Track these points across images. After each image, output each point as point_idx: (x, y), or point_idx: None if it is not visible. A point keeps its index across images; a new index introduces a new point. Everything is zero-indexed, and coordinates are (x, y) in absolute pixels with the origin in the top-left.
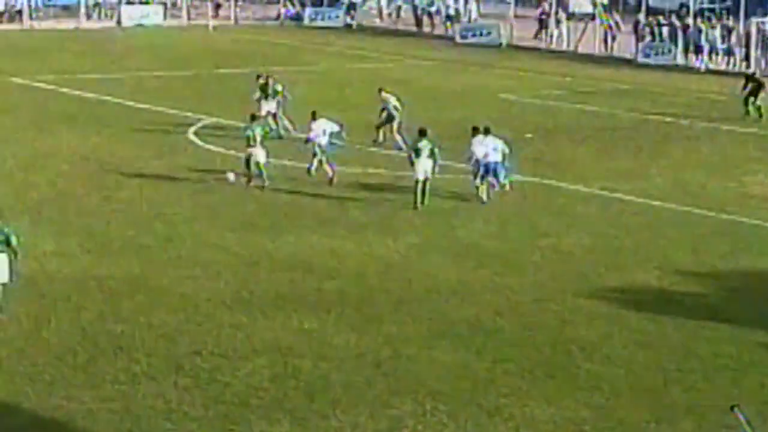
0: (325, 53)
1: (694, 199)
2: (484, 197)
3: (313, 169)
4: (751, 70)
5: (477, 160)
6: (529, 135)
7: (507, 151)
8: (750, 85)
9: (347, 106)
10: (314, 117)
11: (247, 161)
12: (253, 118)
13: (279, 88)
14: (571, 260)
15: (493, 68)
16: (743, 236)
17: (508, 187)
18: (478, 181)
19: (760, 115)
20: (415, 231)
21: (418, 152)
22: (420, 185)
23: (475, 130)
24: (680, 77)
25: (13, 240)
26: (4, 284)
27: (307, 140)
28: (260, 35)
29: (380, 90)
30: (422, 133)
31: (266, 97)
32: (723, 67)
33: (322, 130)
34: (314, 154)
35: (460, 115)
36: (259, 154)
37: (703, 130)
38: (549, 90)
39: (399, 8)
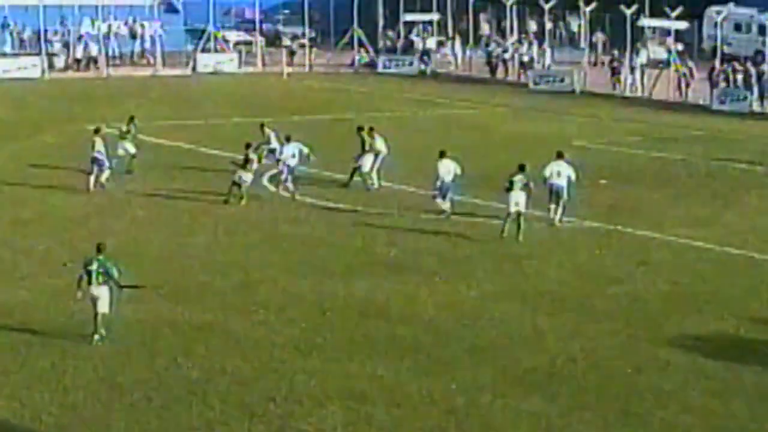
0: (398, 100)
1: None
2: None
3: (288, 185)
4: None
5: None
6: (604, 181)
7: (459, 172)
8: None
9: (419, 152)
10: (288, 140)
11: (234, 181)
12: (248, 146)
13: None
14: (646, 307)
15: (566, 115)
16: None
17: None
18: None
19: None
20: (488, 277)
21: (512, 184)
22: (512, 217)
23: (442, 154)
24: (755, 124)
25: (114, 273)
26: (104, 314)
27: (277, 159)
28: (334, 82)
29: (369, 128)
30: (521, 168)
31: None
32: None
33: (292, 153)
34: (281, 172)
35: (534, 162)
36: (247, 177)
37: None
38: (623, 136)
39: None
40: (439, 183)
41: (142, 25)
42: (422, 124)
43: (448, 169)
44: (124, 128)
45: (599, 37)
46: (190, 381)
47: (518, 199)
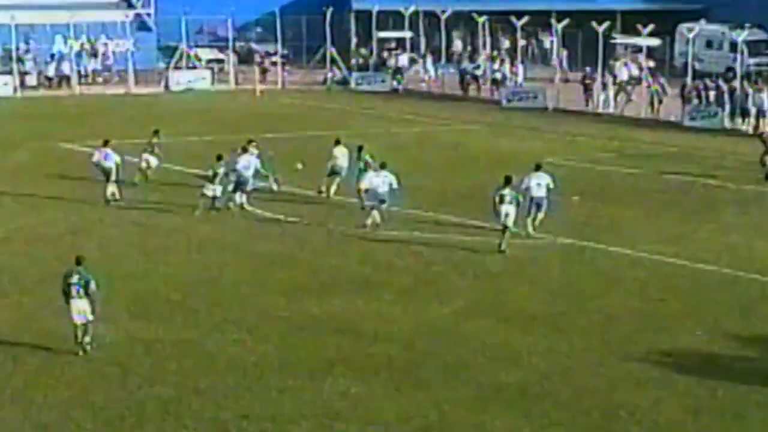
0: (372, 117)
1: (743, 262)
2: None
3: (235, 196)
4: (764, 133)
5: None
6: (576, 198)
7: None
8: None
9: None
10: (244, 150)
11: (203, 193)
12: (219, 158)
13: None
14: (619, 324)
15: (539, 132)
16: None
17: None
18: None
19: None
20: (462, 295)
21: (502, 198)
22: (506, 231)
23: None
24: (727, 140)
25: (92, 285)
26: (89, 321)
27: (234, 170)
28: (307, 100)
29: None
30: (507, 181)
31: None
32: None
33: (245, 165)
34: (233, 182)
35: None
36: (216, 190)
37: (750, 194)
38: (596, 153)
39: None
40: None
41: (106, 44)
42: (396, 141)
43: (382, 180)
44: (150, 141)
45: (563, 53)
46: (163, 399)
47: (508, 211)
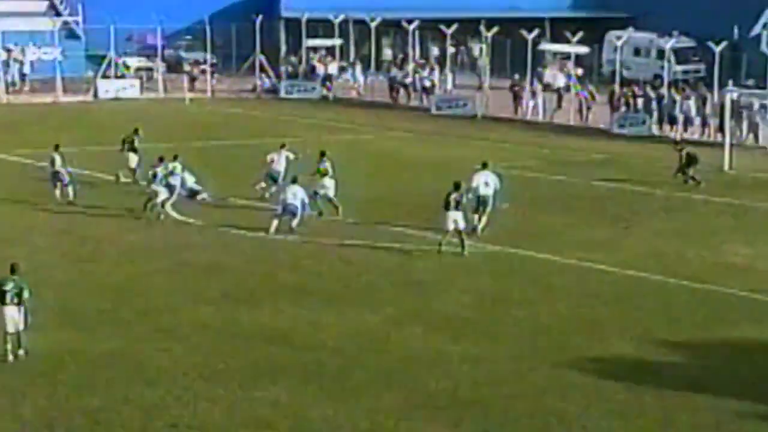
0: (302, 125)
1: (671, 268)
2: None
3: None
4: (680, 144)
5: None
6: (506, 205)
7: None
8: (684, 158)
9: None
10: (175, 158)
11: (149, 199)
12: (161, 159)
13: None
14: (548, 331)
15: (469, 139)
16: (720, 306)
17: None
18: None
19: (698, 183)
20: (392, 302)
21: (447, 204)
22: (451, 234)
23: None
24: (654, 147)
25: (26, 293)
26: (22, 331)
27: (154, 177)
28: (236, 107)
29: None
30: (456, 186)
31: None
32: (697, 137)
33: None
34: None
35: (437, 186)
36: (160, 192)
37: (678, 200)
38: (525, 161)
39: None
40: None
41: (22, 51)
42: (326, 149)
43: (293, 193)
44: (129, 139)
45: (485, 60)
46: (92, 409)
47: (456, 216)
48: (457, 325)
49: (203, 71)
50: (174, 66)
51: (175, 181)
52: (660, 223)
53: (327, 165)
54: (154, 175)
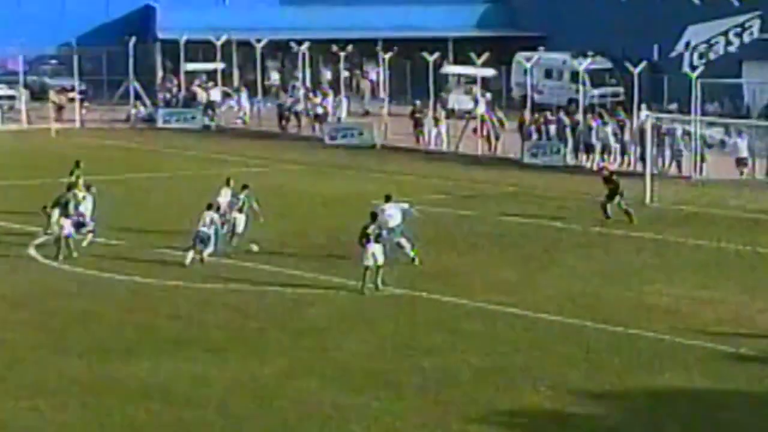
0: (182, 158)
1: (588, 311)
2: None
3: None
4: (605, 172)
5: None
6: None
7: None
8: (607, 188)
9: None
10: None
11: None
12: (69, 187)
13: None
14: (456, 381)
15: (366, 171)
16: (642, 351)
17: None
18: None
19: (630, 218)
20: (283, 352)
21: (367, 237)
22: (370, 272)
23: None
24: (570, 178)
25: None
26: None
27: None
28: (109, 139)
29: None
30: (373, 218)
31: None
32: (616, 166)
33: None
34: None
35: (332, 223)
36: (65, 225)
37: (595, 236)
38: (428, 195)
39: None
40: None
41: None
42: (208, 183)
43: (210, 218)
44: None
45: (366, 84)
46: None
47: (374, 250)
48: (356, 376)
49: (71, 99)
50: (38, 94)
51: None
52: (576, 261)
53: (242, 197)
54: (66, 203)
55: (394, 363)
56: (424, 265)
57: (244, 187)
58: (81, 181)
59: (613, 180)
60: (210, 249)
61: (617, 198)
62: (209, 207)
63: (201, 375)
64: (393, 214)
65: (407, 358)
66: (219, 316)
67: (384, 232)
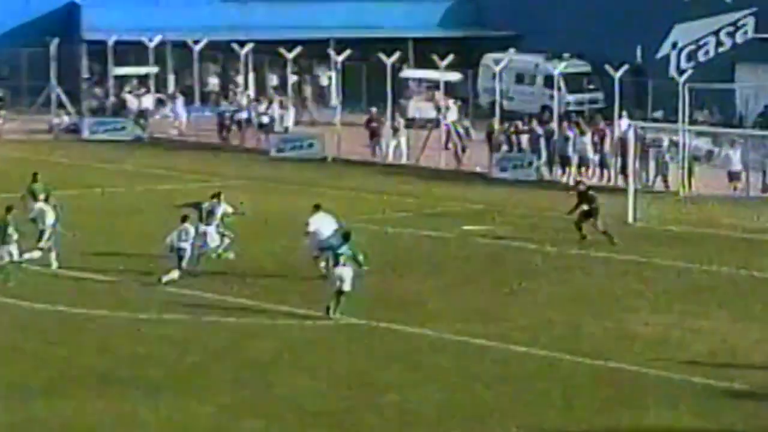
0: (111, 173)
1: (565, 342)
2: None
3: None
4: (582, 186)
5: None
6: (366, 268)
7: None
8: (583, 206)
9: (139, 237)
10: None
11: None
12: (9, 209)
13: None
14: (419, 421)
15: (317, 187)
16: (624, 386)
17: None
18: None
19: (611, 239)
20: (225, 390)
21: (336, 258)
22: (336, 296)
23: None
24: (543, 194)
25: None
26: None
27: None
28: (29, 152)
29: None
30: (345, 238)
31: None
32: (595, 181)
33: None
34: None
35: (278, 245)
36: (12, 250)
37: (573, 259)
38: (387, 213)
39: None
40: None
41: None
42: (140, 201)
43: (183, 231)
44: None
45: (307, 91)
46: None
47: (342, 274)
48: (305, 416)
49: None
50: None
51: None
52: (552, 286)
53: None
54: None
55: (349, 401)
56: (384, 291)
57: (214, 196)
58: (42, 195)
59: (589, 196)
60: (185, 261)
61: (595, 218)
62: (184, 219)
63: (132, 415)
64: (324, 226)
65: (363, 396)
66: (152, 349)
67: (360, 256)
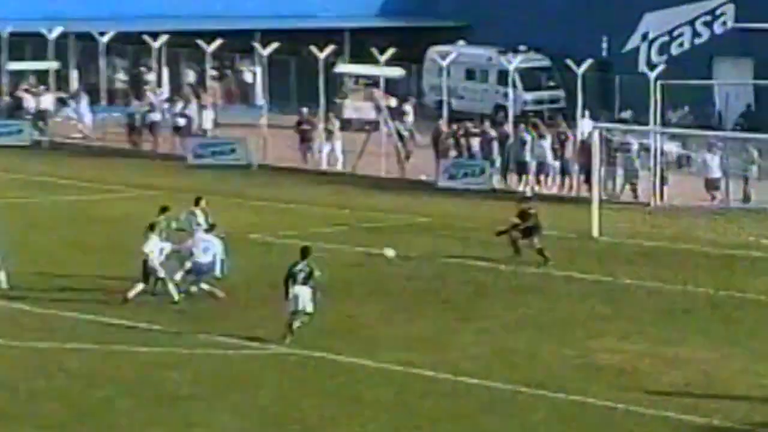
0: (3, 182)
1: (523, 373)
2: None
3: None
4: (525, 204)
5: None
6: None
7: None
8: (522, 222)
9: (35, 255)
10: None
11: None
12: None
13: None
14: None
15: (241, 198)
16: (589, 423)
17: None
18: None
19: (546, 260)
20: (137, 428)
21: (293, 277)
22: (292, 318)
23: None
24: (497, 206)
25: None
26: None
27: None
28: None
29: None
30: (304, 253)
31: None
32: (555, 190)
33: None
34: None
35: None
36: None
37: (530, 278)
38: (319, 226)
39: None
40: None
41: None
42: (38, 214)
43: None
44: None
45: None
46: None
47: (300, 293)
48: None
49: None
50: None
51: None
52: (507, 310)
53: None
54: None
55: None
56: (317, 318)
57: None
58: None
59: (529, 214)
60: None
61: (534, 235)
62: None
63: None
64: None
65: None
66: (55, 383)
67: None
